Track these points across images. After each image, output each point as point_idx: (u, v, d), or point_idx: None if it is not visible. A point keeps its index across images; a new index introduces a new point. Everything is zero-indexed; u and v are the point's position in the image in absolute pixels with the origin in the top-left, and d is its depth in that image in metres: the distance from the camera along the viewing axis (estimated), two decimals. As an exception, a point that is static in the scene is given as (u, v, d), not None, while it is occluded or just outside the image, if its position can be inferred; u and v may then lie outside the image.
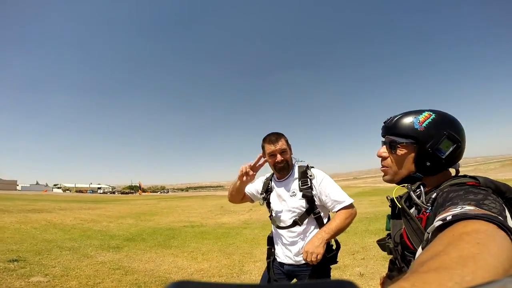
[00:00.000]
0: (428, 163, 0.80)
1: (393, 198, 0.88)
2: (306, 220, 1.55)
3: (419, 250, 0.62)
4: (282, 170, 1.61)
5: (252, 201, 1.82)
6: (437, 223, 0.52)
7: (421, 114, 0.81)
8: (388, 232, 1.02)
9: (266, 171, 1.77)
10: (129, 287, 2.92)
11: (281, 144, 1.58)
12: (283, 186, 1.64)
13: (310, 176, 1.58)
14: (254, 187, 1.79)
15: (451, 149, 0.77)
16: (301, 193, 1.55)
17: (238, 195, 1.73)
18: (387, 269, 0.94)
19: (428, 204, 0.72)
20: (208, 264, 3.97)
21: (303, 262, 1.46)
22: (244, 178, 1.54)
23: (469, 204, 0.55)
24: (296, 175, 1.63)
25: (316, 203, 1.55)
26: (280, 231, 1.63)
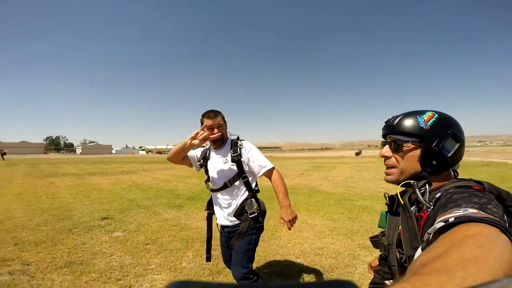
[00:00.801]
0: (434, 162, 0.80)
1: (396, 194, 0.87)
2: (236, 183, 1.86)
3: (419, 250, 0.64)
4: (217, 141, 1.88)
5: (190, 165, 2.07)
6: (439, 224, 0.52)
7: (425, 113, 0.81)
8: (382, 229, 1.04)
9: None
10: (179, 241, 3.61)
11: (218, 120, 1.84)
12: (218, 155, 1.93)
13: (240, 145, 1.88)
14: (195, 153, 2.06)
15: (455, 148, 0.78)
16: (231, 160, 1.84)
17: (180, 155, 1.92)
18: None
19: (431, 204, 0.72)
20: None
21: (237, 222, 1.87)
22: (196, 141, 1.76)
23: (472, 207, 0.55)
24: (229, 146, 1.91)
25: (244, 169, 1.87)
26: (215, 194, 1.96)
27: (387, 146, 0.88)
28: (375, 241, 1.05)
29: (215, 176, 1.91)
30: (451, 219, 0.50)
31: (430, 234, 0.55)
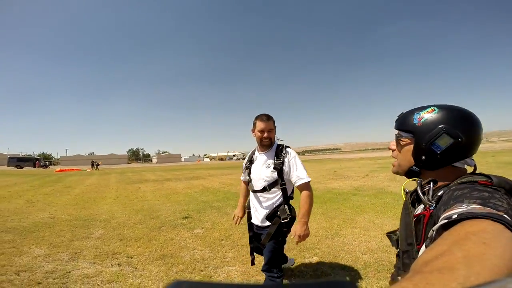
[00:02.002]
0: (423, 158, 0.82)
1: (403, 189, 0.92)
2: (274, 188, 1.99)
3: (423, 247, 0.64)
4: (265, 145, 2.03)
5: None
6: (442, 221, 0.51)
7: (425, 109, 0.82)
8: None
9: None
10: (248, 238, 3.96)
11: (270, 124, 2.00)
12: (262, 158, 2.07)
13: (284, 153, 1.98)
14: (244, 162, 2.28)
15: (449, 144, 0.77)
16: (273, 166, 1.97)
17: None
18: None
19: (433, 201, 0.72)
20: (310, 225, 4.43)
21: (267, 224, 2.03)
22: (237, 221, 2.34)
23: (474, 203, 0.54)
24: (274, 151, 2.04)
25: (284, 176, 1.97)
26: (253, 194, 2.12)
27: (394, 140, 0.94)
28: (390, 236, 1.04)
29: (256, 178, 2.06)
30: (454, 216, 0.50)
31: (434, 231, 0.54)
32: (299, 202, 1.99)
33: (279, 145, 2.07)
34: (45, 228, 4.77)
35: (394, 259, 2.95)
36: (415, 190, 0.83)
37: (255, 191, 2.08)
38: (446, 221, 0.50)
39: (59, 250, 3.62)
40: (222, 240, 3.95)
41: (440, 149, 0.78)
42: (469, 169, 0.84)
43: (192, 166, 39.87)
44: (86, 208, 6.84)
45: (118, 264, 3.15)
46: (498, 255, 0.35)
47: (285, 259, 2.59)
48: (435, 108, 0.81)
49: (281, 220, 1.97)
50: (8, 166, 48.58)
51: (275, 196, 2.02)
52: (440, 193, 0.72)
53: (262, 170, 2.02)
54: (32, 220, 5.40)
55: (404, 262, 0.80)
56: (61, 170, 31.12)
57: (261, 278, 2.72)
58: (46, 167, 47.39)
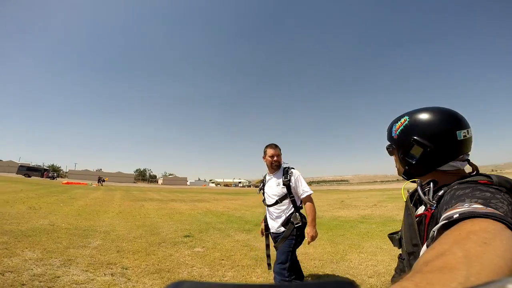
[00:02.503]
0: (406, 167, 0.86)
1: (402, 190, 0.96)
2: (285, 201, 2.38)
3: (424, 247, 0.62)
4: (275, 167, 2.48)
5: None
6: (443, 221, 0.50)
7: (399, 120, 0.86)
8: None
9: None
10: (249, 259, 3.73)
11: (277, 151, 2.49)
12: (273, 178, 2.50)
13: (290, 173, 2.41)
14: (259, 185, 2.70)
15: (420, 153, 0.79)
16: (283, 183, 2.38)
17: None
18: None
19: (434, 201, 0.72)
20: (314, 249, 4.28)
21: (283, 229, 2.35)
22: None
23: (476, 202, 0.54)
24: (282, 172, 2.47)
25: (292, 191, 2.38)
26: (269, 208, 2.48)
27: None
28: (392, 237, 1.03)
29: (270, 195, 2.47)
30: (456, 215, 0.49)
31: (435, 231, 0.52)
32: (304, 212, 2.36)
33: (285, 167, 2.51)
34: (42, 234, 4.63)
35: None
36: (416, 191, 0.84)
37: (269, 205, 2.49)
38: (447, 221, 0.49)
39: (52, 256, 3.45)
40: (223, 260, 3.72)
41: (415, 159, 0.81)
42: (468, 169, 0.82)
43: (198, 190, 39.57)
44: (88, 219, 6.70)
45: (111, 274, 2.98)
46: (499, 255, 0.34)
47: (301, 275, 2.63)
48: (407, 117, 0.84)
49: (294, 225, 2.31)
50: (17, 174, 49.50)
51: (286, 207, 2.40)
52: (440, 193, 0.71)
53: (274, 188, 2.44)
54: (31, 225, 5.28)
55: (411, 264, 0.77)
56: (68, 183, 31.29)
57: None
58: (54, 179, 47.83)
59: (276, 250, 2.37)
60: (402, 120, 0.84)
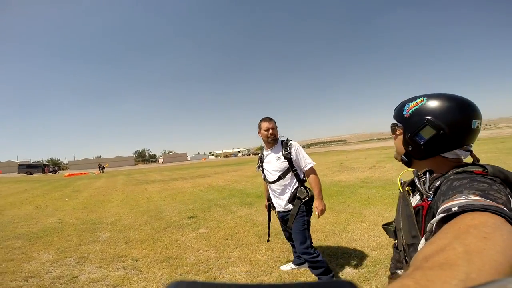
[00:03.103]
0: (409, 148, 0.85)
1: (399, 180, 0.96)
2: (288, 175, 2.32)
3: (422, 240, 0.62)
4: (271, 142, 2.37)
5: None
6: (441, 214, 0.50)
7: (414, 100, 0.84)
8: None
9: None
10: (253, 236, 3.94)
11: (272, 123, 2.37)
12: (272, 153, 2.41)
13: (289, 145, 2.33)
14: (257, 163, 2.60)
15: (431, 136, 0.77)
16: (283, 157, 2.31)
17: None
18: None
19: (431, 192, 0.71)
20: (315, 220, 4.42)
21: (290, 206, 2.33)
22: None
23: (474, 194, 0.53)
24: (280, 145, 2.39)
25: (294, 164, 2.32)
26: (271, 186, 2.42)
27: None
28: (386, 228, 1.03)
29: (270, 171, 2.39)
30: (454, 209, 0.48)
31: (433, 224, 0.52)
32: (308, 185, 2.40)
33: (282, 140, 2.42)
34: (53, 233, 4.85)
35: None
36: (412, 181, 0.85)
37: (271, 182, 2.39)
38: (446, 214, 0.49)
39: (66, 255, 3.67)
40: (227, 239, 3.94)
41: (423, 140, 0.80)
42: (468, 160, 0.81)
43: (198, 165, 40.13)
44: (94, 211, 6.94)
45: (124, 268, 3.19)
46: (499, 250, 0.34)
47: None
48: (424, 98, 0.81)
49: (302, 200, 2.28)
50: (19, 173, 49.94)
51: (290, 181, 2.34)
52: (437, 184, 0.71)
53: (274, 163, 2.35)
54: (41, 226, 5.50)
55: (411, 256, 0.78)
56: (70, 175, 31.67)
57: (266, 278, 2.72)
58: (55, 172, 48.29)
59: (289, 231, 2.40)
60: (418, 100, 0.82)
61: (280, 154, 2.33)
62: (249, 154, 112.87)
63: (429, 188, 0.74)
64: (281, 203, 2.38)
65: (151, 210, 6.57)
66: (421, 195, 0.77)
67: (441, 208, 0.53)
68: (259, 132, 2.42)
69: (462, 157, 0.80)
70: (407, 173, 0.95)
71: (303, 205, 2.29)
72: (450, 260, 0.33)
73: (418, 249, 0.63)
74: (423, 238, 0.61)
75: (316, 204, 2.31)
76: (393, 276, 0.95)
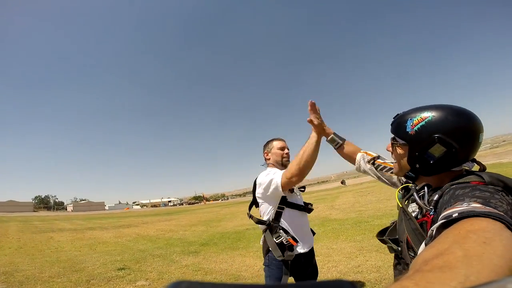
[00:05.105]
0: (417, 165, 0.81)
1: (396, 196, 0.92)
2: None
3: (422, 245, 0.62)
4: (286, 163, 1.88)
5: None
6: (442, 220, 0.51)
7: (418, 115, 0.79)
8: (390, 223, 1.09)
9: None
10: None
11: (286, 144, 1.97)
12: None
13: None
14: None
15: (441, 153, 0.75)
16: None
17: (316, 153, 1.49)
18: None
19: (431, 207, 0.70)
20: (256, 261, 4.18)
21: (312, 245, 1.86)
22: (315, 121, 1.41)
23: (475, 202, 0.54)
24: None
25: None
26: (296, 213, 1.83)
27: (390, 142, 0.93)
28: (382, 239, 1.03)
29: (298, 193, 1.96)
30: (455, 214, 0.49)
31: (433, 230, 0.53)
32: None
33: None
34: None
35: (370, 277, 2.89)
36: (411, 195, 0.82)
37: (300, 208, 1.82)
38: (446, 219, 0.49)
39: None
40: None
41: (433, 158, 0.76)
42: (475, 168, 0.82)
43: (120, 214, 34.72)
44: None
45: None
46: (499, 255, 0.35)
47: None
48: (430, 113, 0.77)
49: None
50: None
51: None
52: (435, 198, 0.71)
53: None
54: None
55: None
56: None
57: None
58: None
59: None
60: (423, 115, 0.78)
61: None
62: (181, 204, 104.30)
63: (428, 203, 0.73)
64: (310, 240, 1.83)
65: (63, 261, 5.15)
66: (421, 208, 0.76)
67: (442, 215, 0.54)
68: (266, 153, 1.95)
69: (468, 168, 0.80)
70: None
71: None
72: (450, 263, 0.33)
73: (418, 254, 0.63)
74: (423, 243, 0.62)
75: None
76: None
